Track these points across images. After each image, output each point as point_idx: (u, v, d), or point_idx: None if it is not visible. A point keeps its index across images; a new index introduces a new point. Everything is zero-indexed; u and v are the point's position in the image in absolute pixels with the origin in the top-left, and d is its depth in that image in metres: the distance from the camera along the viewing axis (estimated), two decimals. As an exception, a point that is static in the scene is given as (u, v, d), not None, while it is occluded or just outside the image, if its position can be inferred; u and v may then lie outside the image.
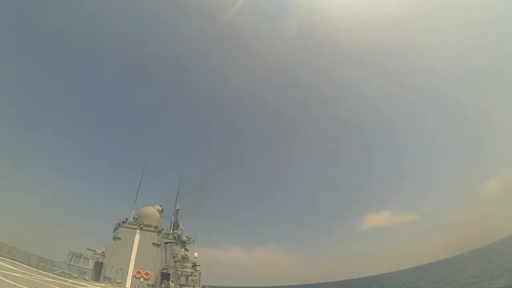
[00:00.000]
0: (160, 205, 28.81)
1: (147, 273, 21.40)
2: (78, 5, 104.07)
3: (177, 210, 31.32)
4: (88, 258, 22.05)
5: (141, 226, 23.54)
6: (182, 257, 26.43)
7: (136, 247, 22.43)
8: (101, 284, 18.72)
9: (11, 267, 13.23)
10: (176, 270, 22.31)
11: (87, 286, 15.15)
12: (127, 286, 20.53)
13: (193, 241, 29.52)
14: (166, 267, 22.10)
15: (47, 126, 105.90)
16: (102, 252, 22.43)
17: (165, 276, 21.37)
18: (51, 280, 13.64)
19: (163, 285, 20.08)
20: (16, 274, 11.74)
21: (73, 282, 15.56)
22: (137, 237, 22.99)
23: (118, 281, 20.61)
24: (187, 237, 29.39)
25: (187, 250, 28.68)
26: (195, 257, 26.96)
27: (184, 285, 21.39)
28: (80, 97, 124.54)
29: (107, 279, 20.65)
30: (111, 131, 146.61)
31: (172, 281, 20.81)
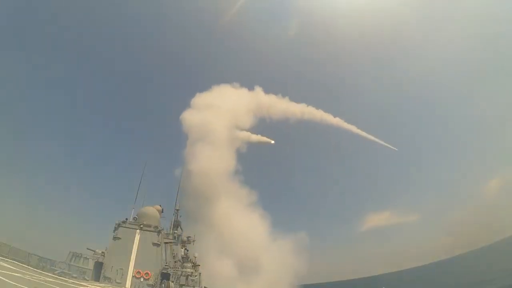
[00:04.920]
0: (160, 205, 28.81)
1: (147, 273, 21.37)
2: (77, 4, 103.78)
3: (177, 210, 31.34)
4: (88, 258, 22.00)
5: (141, 226, 23.51)
6: (182, 257, 26.39)
7: (136, 247, 22.41)
8: (101, 284, 18.72)
9: (11, 267, 13.23)
10: (176, 270, 22.27)
11: (87, 286, 15.16)
12: (127, 286, 20.50)
13: (193, 241, 29.50)
14: (166, 267, 22.06)
15: (47, 126, 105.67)
16: (102, 252, 22.39)
17: (165, 276, 21.34)
18: (51, 280, 13.66)
19: (163, 285, 20.06)
20: (16, 274, 11.75)
21: (73, 282, 15.57)
22: (137, 237, 22.96)
23: (118, 281, 20.58)
24: (187, 237, 29.37)
25: (187, 250, 28.66)
26: (195, 257, 26.94)
27: (184, 285, 21.36)
28: (80, 96, 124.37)
29: (107, 279, 20.62)
30: (111, 131, 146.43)
31: (172, 281, 20.78)
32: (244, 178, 43.49)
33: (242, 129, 46.29)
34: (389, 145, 61.24)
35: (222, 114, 43.81)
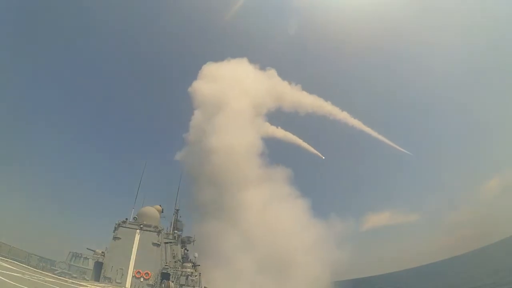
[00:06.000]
0: (160, 205, 28.83)
1: (147, 273, 21.41)
2: (76, 3, 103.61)
3: (177, 210, 31.31)
4: (88, 258, 22.05)
5: (141, 226, 23.54)
6: (182, 257, 26.41)
7: (136, 247, 22.44)
8: (101, 284, 18.75)
9: (11, 267, 13.24)
10: (176, 270, 22.31)
11: (87, 286, 15.18)
12: (127, 286, 20.53)
13: (193, 241, 29.49)
14: (166, 267, 22.10)
15: (46, 126, 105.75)
16: (102, 252, 22.43)
17: (165, 276, 21.37)
18: (51, 280, 13.67)
19: (163, 285, 20.08)
20: (16, 274, 11.76)
21: (73, 282, 15.58)
22: (137, 237, 23.00)
23: (118, 281, 20.61)
24: (187, 237, 29.35)
25: (187, 250, 28.66)
26: (195, 257, 26.96)
27: (184, 285, 21.39)
28: (80, 96, 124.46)
29: (107, 279, 20.65)
30: (111, 131, 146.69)
31: (172, 281, 20.81)
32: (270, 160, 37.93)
33: (261, 110, 40.37)
34: (404, 150, 58.93)
35: (239, 87, 38.31)
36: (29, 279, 11.73)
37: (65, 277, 16.96)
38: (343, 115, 50.81)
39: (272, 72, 45.70)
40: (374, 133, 54.21)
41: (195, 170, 34.68)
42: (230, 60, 43.88)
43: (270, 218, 33.67)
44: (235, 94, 37.28)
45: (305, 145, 47.40)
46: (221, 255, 31.15)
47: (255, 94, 39.78)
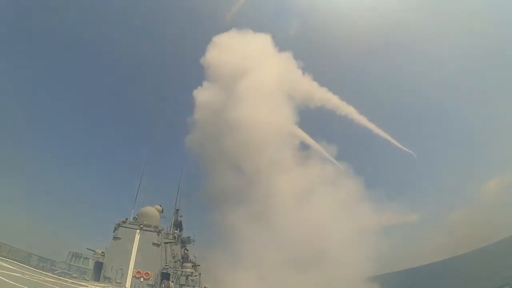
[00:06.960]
0: (160, 205, 28.83)
1: (147, 273, 21.41)
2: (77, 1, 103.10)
3: (177, 210, 31.29)
4: (88, 258, 22.05)
5: (141, 226, 23.55)
6: (182, 257, 26.42)
7: (136, 247, 22.45)
8: (101, 284, 18.77)
9: (11, 267, 13.24)
10: (176, 270, 22.32)
11: (87, 286, 15.20)
12: (127, 286, 20.54)
13: (193, 241, 29.49)
14: (166, 267, 22.12)
15: (46, 126, 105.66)
16: (102, 252, 22.43)
17: (165, 276, 21.39)
18: (51, 280, 13.68)
19: (163, 285, 20.10)
20: (16, 274, 11.77)
21: (73, 282, 15.59)
22: (137, 237, 23.00)
23: (118, 281, 20.62)
24: (187, 237, 29.36)
25: (187, 250, 28.66)
26: (195, 257, 26.97)
27: (184, 285, 21.41)
28: (79, 95, 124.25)
29: (107, 279, 20.66)
30: (111, 130, 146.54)
31: (172, 281, 20.83)
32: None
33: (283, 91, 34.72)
34: (406, 149, 57.00)
35: (260, 58, 33.74)
36: (29, 279, 11.74)
37: (65, 277, 16.96)
38: (349, 110, 47.62)
39: (288, 55, 40.68)
40: (377, 130, 52.37)
41: (207, 153, 31.80)
42: (253, 33, 39.60)
43: (305, 206, 30.52)
44: (257, 65, 33.08)
45: (322, 151, 45.25)
46: (242, 249, 28.95)
47: (277, 70, 35.17)
